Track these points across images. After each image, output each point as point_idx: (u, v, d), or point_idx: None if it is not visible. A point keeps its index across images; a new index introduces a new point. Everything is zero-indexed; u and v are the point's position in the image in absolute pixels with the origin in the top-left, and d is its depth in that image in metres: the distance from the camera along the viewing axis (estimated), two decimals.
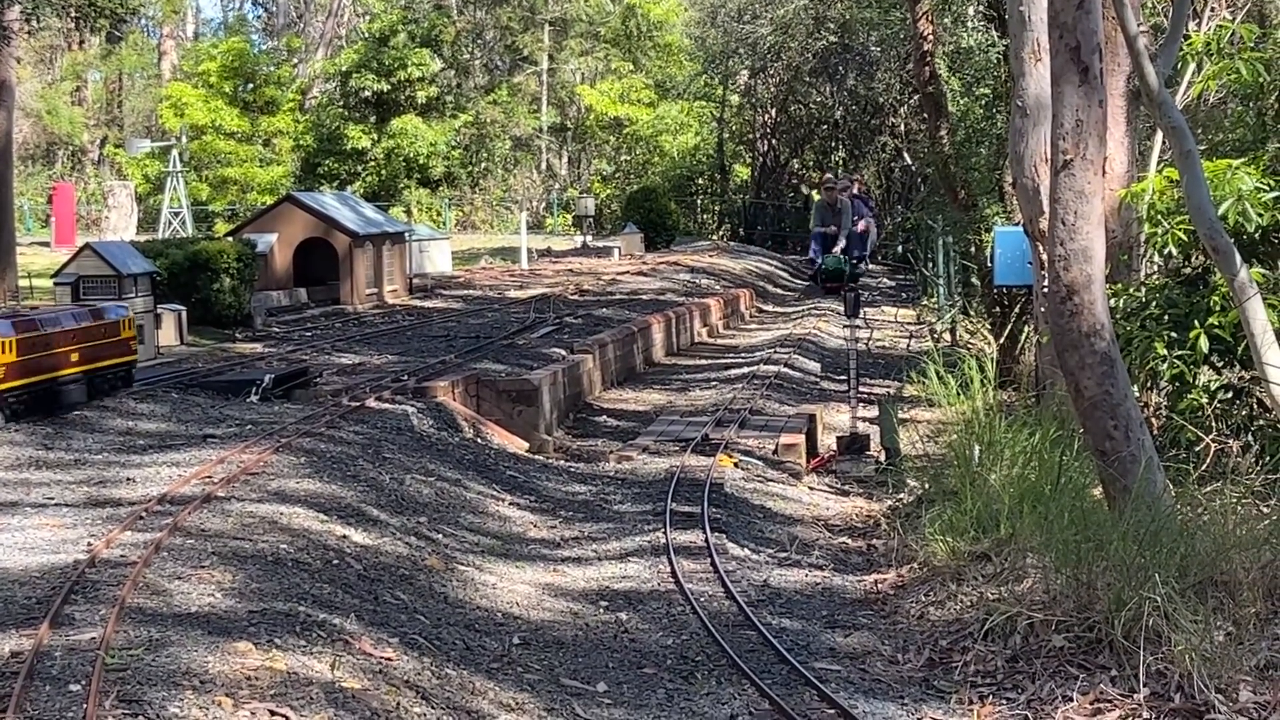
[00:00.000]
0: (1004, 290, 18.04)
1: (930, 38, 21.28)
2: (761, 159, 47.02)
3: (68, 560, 7.81)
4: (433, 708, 6.54)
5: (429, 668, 7.08)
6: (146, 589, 7.27)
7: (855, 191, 32.23)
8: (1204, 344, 10.83)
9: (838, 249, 28.82)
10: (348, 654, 6.81)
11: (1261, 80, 12.30)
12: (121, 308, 13.66)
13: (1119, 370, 8.96)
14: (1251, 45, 12.12)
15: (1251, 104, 14.57)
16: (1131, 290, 11.99)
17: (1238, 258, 9.62)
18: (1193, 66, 13.75)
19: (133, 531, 8.50)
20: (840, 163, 45.66)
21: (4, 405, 11.39)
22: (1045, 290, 11.11)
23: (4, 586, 7.30)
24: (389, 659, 6.98)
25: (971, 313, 22.07)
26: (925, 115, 24.18)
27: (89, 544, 8.18)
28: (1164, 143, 13.87)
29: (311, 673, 6.39)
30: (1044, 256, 11.56)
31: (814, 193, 33.11)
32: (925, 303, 27.84)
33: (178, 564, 7.78)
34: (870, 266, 33.32)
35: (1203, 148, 12.99)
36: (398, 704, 6.38)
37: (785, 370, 18.81)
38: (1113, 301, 10.67)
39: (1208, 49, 12.66)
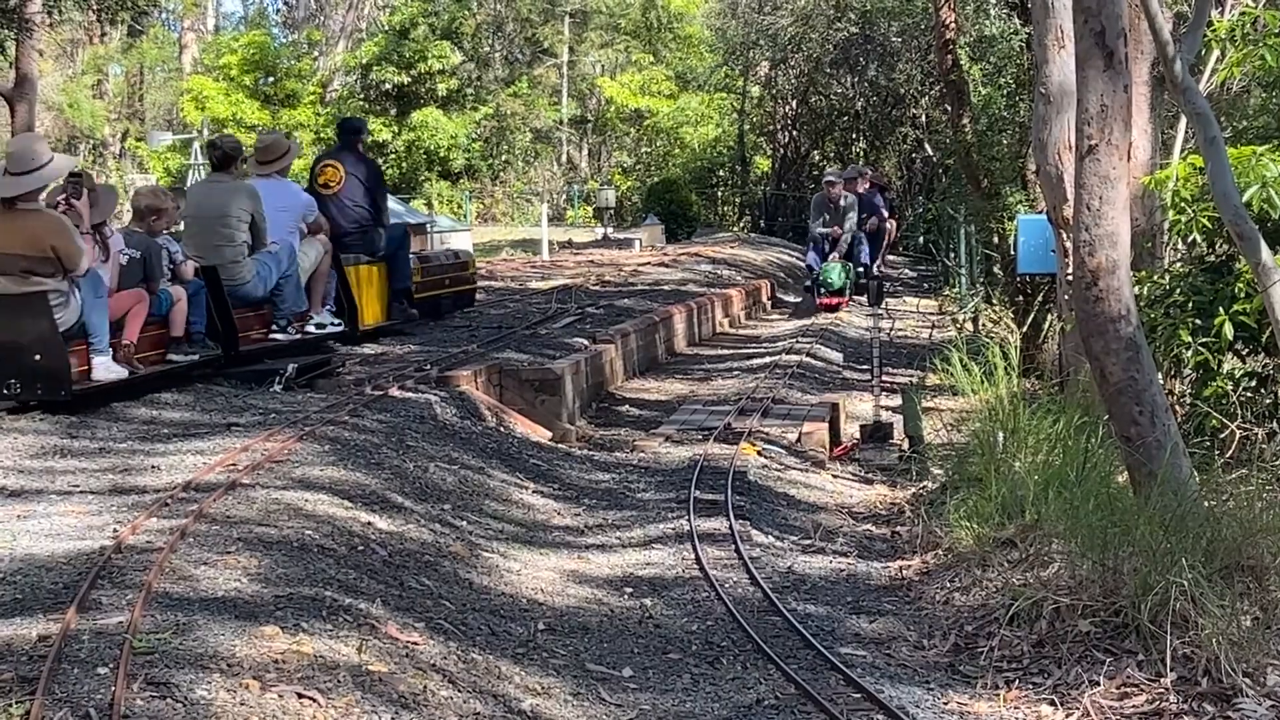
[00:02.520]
0: (1027, 279, 18.00)
1: (953, 26, 21.26)
2: (782, 150, 46.98)
3: (94, 546, 7.82)
4: (459, 691, 6.55)
5: (455, 652, 7.09)
6: (173, 574, 7.29)
7: (867, 185, 28.85)
8: (1228, 331, 10.82)
9: (836, 256, 25.35)
10: (374, 638, 6.83)
11: None
12: (468, 251, 22.83)
13: (1144, 355, 8.95)
14: (1277, 31, 12.08)
15: (1275, 91, 14.54)
16: (1155, 277, 11.97)
17: (1263, 244, 9.61)
18: (1216, 54, 13.74)
19: (158, 518, 8.52)
20: (861, 154, 45.60)
21: (419, 308, 18.11)
22: (1069, 278, 11.11)
23: (31, 572, 7.32)
24: (415, 643, 7.00)
25: (994, 301, 22.04)
26: (947, 105, 24.07)
27: (114, 530, 8.19)
28: (1187, 130, 13.85)
29: (339, 656, 6.40)
30: (1067, 244, 11.56)
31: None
32: (947, 292, 27.73)
33: (203, 550, 7.80)
34: (882, 266, 29.52)
35: (1226, 135, 12.97)
36: (424, 687, 6.39)
37: (807, 360, 18.78)
38: (1136, 289, 10.65)
39: (1231, 35, 12.65)
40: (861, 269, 25.88)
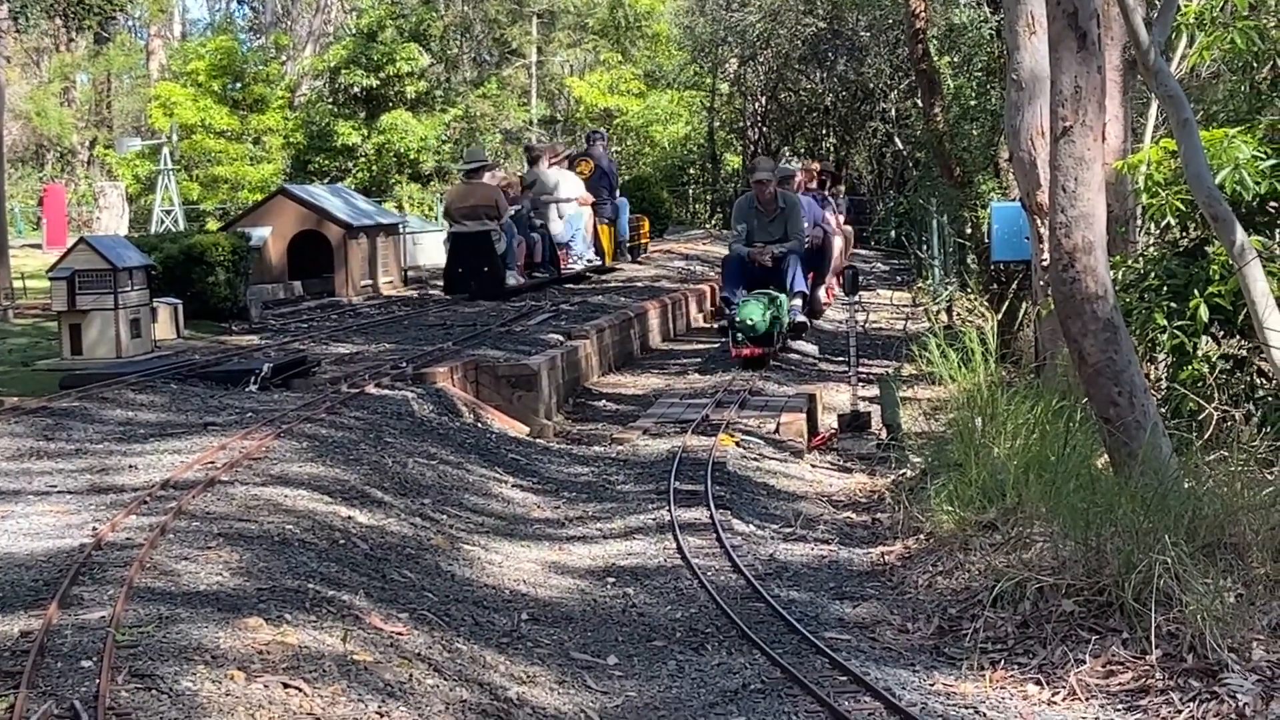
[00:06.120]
0: (1001, 266, 18.00)
1: (922, 15, 21.26)
2: (752, 147, 46.92)
3: (73, 544, 7.79)
4: (445, 679, 6.53)
5: (439, 642, 7.07)
6: (154, 570, 7.26)
7: (813, 182, 23.75)
8: (1204, 313, 10.83)
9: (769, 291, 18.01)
10: (358, 629, 6.80)
11: (1256, 49, 12.29)
12: (638, 216, 29.57)
13: (1122, 336, 8.96)
14: (1245, 14, 12.10)
15: (1245, 74, 14.57)
16: (1130, 262, 11.99)
17: (1237, 225, 9.63)
18: (1185, 39, 13.76)
19: (137, 516, 8.49)
20: (831, 149, 45.61)
21: (632, 249, 28.13)
22: (1044, 263, 11.12)
23: (10, 570, 7.29)
24: (400, 633, 6.97)
25: (969, 290, 22.05)
26: (918, 97, 24.06)
27: (94, 528, 8.17)
28: (1159, 116, 13.88)
29: (323, 646, 6.38)
30: (1042, 230, 11.58)
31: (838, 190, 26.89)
32: (920, 284, 27.72)
33: (184, 546, 7.77)
34: (833, 299, 23.16)
35: (1198, 119, 12.98)
36: (410, 676, 6.37)
37: (783, 353, 18.74)
38: (1111, 274, 10.65)
39: (1200, 20, 12.68)
40: (798, 300, 18.55)
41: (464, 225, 21.18)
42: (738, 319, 17.53)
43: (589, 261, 25.19)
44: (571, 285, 23.51)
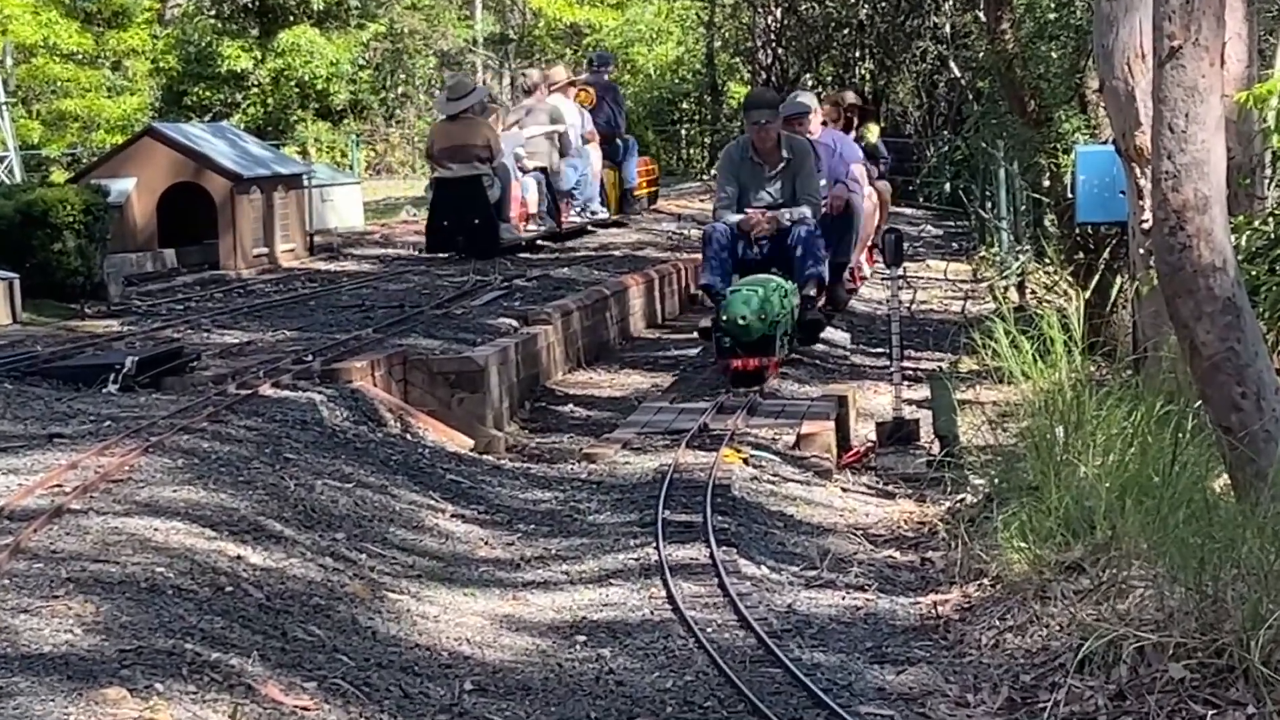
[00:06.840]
0: (1089, 230, 18.03)
1: None
2: (764, 74, 46.95)
3: None
4: None
5: (358, 719, 7.07)
6: None
7: (836, 120, 22.74)
8: None
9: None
10: (251, 702, 6.80)
11: None
12: (647, 159, 31.50)
13: (1247, 320, 8.97)
14: None
15: None
16: (1257, 223, 12.01)
17: None
18: None
19: None
20: (866, 76, 45.63)
21: (639, 200, 29.29)
22: (1145, 224, 11.12)
23: None
24: (305, 708, 6.98)
25: (1047, 261, 22.07)
26: (979, 9, 24.09)
27: None
28: None
29: None
30: (1142, 180, 11.57)
31: (868, 130, 26.07)
32: (983, 253, 27.73)
33: (22, 594, 7.77)
34: (861, 283, 22.69)
35: None
36: None
37: (788, 364, 18.62)
38: (1233, 238, 10.66)
39: None
40: (811, 292, 17.52)
41: (449, 169, 22.66)
42: (724, 317, 15.87)
43: (594, 213, 26.93)
44: (527, 254, 23.49)
